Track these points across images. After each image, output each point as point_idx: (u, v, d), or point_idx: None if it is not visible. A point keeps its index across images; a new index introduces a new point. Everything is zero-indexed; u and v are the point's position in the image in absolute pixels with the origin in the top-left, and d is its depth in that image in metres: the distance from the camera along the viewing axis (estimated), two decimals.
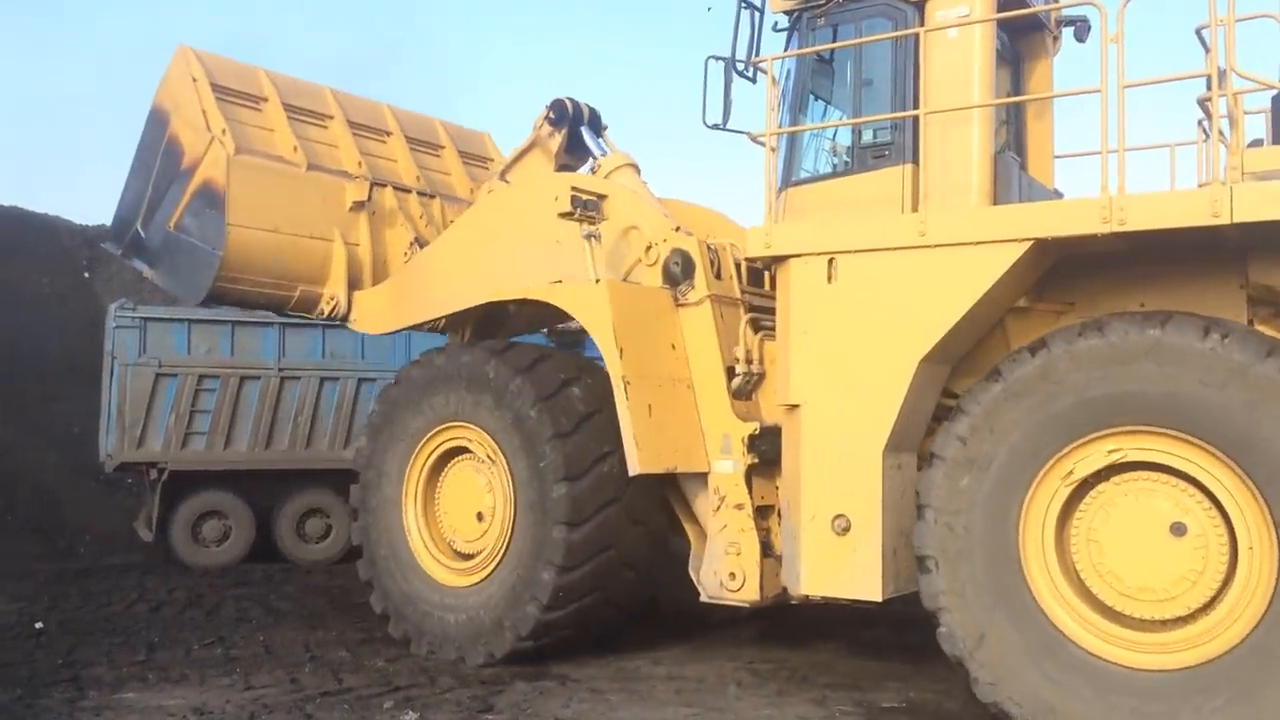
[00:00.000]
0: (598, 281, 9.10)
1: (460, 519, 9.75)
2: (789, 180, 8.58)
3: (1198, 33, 7.03)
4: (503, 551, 9.25)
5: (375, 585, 10.11)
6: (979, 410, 7.07)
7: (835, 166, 8.58)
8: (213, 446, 16.19)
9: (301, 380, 16.46)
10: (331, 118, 11.98)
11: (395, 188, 11.89)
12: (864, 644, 10.05)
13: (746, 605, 8.77)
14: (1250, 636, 6.33)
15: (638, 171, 10.50)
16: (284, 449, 16.52)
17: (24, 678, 8.75)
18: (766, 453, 8.68)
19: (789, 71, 8.68)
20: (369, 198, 11.48)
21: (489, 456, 9.39)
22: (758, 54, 8.75)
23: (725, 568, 8.73)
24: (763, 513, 8.79)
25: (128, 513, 18.17)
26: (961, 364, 7.95)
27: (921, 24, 7.95)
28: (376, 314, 11.37)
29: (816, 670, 9.07)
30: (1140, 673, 6.59)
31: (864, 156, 8.30)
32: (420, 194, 12.18)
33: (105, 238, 12.68)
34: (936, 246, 7.38)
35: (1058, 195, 8.74)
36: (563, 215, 9.30)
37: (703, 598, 8.96)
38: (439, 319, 11.13)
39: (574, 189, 9.32)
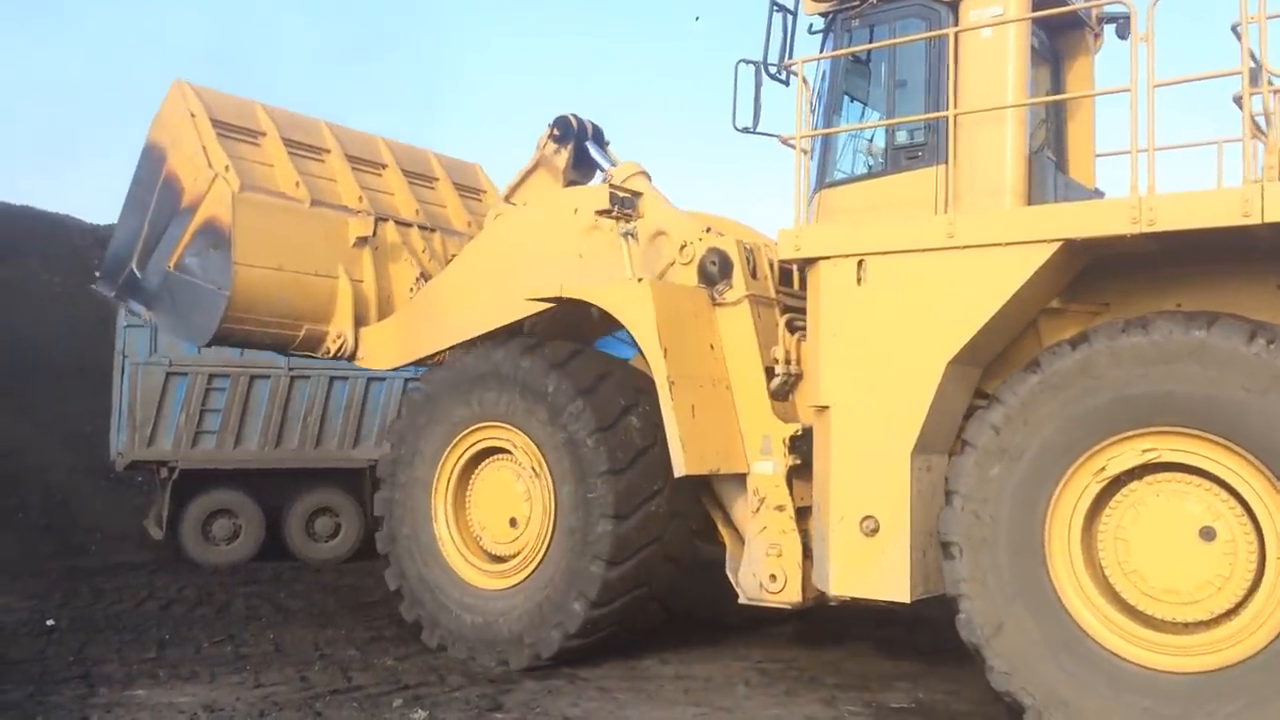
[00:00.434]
0: (640, 280, 8.99)
1: (492, 518, 9.66)
2: (823, 182, 8.60)
3: (1234, 29, 6.87)
4: (533, 567, 9.19)
5: (392, 561, 10.04)
6: (1015, 400, 7.09)
7: (870, 168, 8.57)
8: (223, 445, 16.28)
9: (311, 380, 16.49)
10: (329, 151, 11.80)
11: (397, 222, 11.76)
12: (873, 644, 10.07)
13: (788, 607, 8.72)
14: (1272, 644, 6.34)
15: (649, 179, 10.38)
16: (294, 448, 16.60)
17: (36, 674, 8.81)
18: (807, 454, 8.64)
19: (824, 73, 8.72)
20: (374, 233, 11.32)
21: (533, 469, 9.27)
22: (790, 56, 8.70)
23: (765, 569, 8.69)
24: (803, 514, 8.75)
25: (138, 511, 18.23)
26: (994, 365, 7.95)
27: (956, 24, 7.95)
28: (385, 349, 11.20)
29: (825, 670, 9.09)
30: (1157, 673, 6.61)
31: (897, 158, 8.30)
32: (421, 227, 12.06)
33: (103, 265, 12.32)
34: (965, 248, 7.38)
35: (1098, 195, 8.68)
36: (600, 213, 9.25)
37: (741, 600, 8.95)
38: (450, 349, 10.89)
39: (612, 186, 9.17)
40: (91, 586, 13.64)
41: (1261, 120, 7.17)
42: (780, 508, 8.71)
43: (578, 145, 11.24)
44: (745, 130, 8.70)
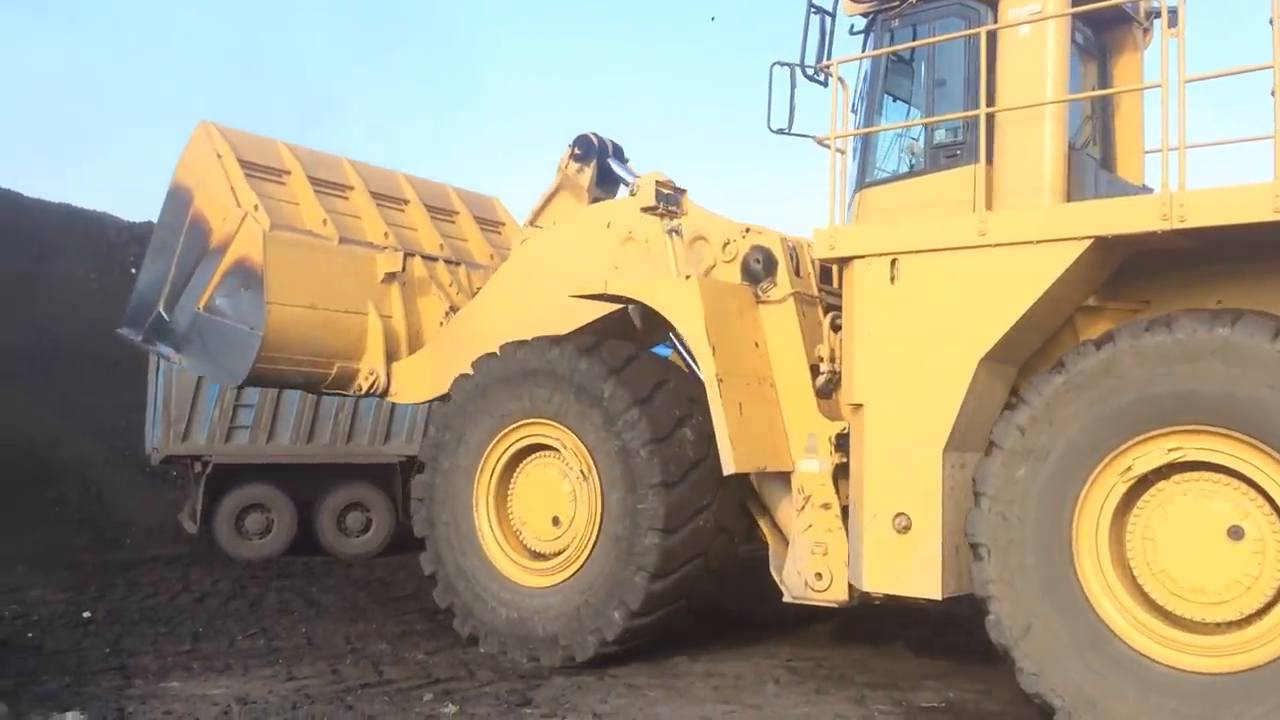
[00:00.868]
0: (688, 277, 9.01)
1: (534, 514, 9.61)
2: (863, 182, 8.67)
3: (1270, 23, 6.80)
4: (574, 569, 9.18)
5: (429, 546, 10.02)
6: (1040, 401, 7.11)
7: (912, 167, 8.59)
8: (255, 440, 16.59)
9: None
10: (352, 188, 11.90)
11: (423, 256, 11.83)
12: (903, 643, 10.09)
13: (834, 605, 8.74)
14: None
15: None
16: (325, 444, 16.92)
17: (72, 665, 8.98)
18: None
19: (865, 74, 8.79)
20: (403, 269, 11.39)
21: (582, 471, 9.23)
22: (829, 57, 8.74)
23: (811, 568, 8.71)
24: (849, 513, 8.73)
25: (173, 505, 18.61)
26: (1030, 363, 7.96)
27: (995, 22, 7.98)
28: (418, 382, 11.20)
29: (855, 669, 9.11)
30: (1185, 674, 6.59)
31: (936, 156, 8.35)
32: (447, 261, 12.12)
33: (141, 246, 12.47)
34: (996, 246, 7.41)
35: (1146, 192, 8.61)
36: (646, 210, 9.24)
37: (786, 598, 8.95)
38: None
39: (658, 182, 9.15)
40: (127, 579, 13.89)
41: None
42: (826, 506, 8.72)
43: (600, 162, 11.32)
44: (780, 131, 8.74)
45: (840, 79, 8.41)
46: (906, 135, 8.73)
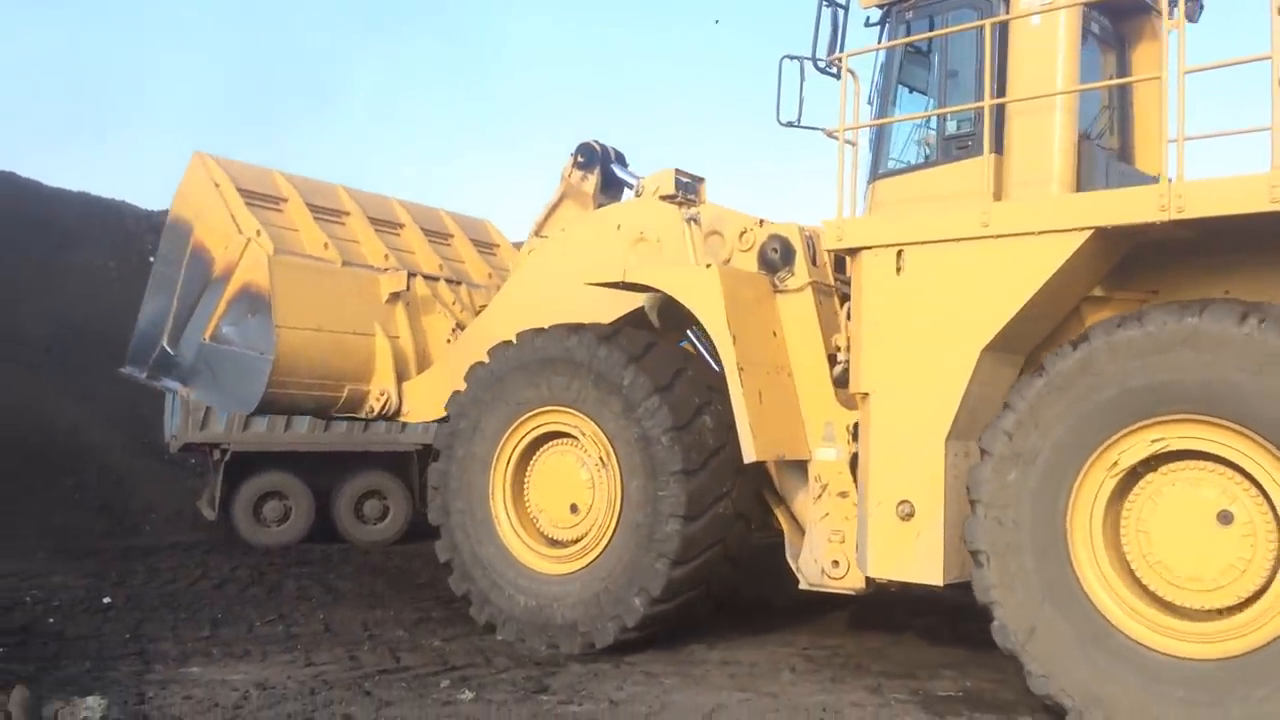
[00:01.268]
0: (708, 265, 9.13)
1: (552, 502, 9.69)
2: (876, 173, 8.81)
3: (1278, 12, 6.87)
4: (594, 556, 9.27)
5: (444, 534, 10.10)
6: (1024, 405, 7.28)
7: (926, 158, 8.72)
8: (274, 428, 16.83)
9: None
10: (349, 214, 12.06)
11: (425, 276, 11.97)
12: (919, 632, 10.19)
13: (850, 592, 8.84)
14: None
15: None
16: (342, 431, 17.10)
17: (93, 651, 9.11)
18: None
19: (880, 66, 8.90)
20: (407, 288, 11.48)
21: (600, 459, 9.31)
22: (842, 50, 8.84)
23: (828, 556, 8.84)
24: None
25: (192, 492, 18.92)
26: (1037, 353, 8.02)
27: (1008, 14, 8.08)
28: (430, 400, 11.17)
29: (871, 658, 9.21)
30: (1188, 661, 6.72)
31: (948, 148, 8.48)
32: (448, 280, 12.26)
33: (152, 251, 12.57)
34: (999, 237, 7.56)
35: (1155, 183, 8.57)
36: (665, 198, 9.32)
37: (802, 585, 9.08)
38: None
39: (677, 170, 9.21)
40: (147, 565, 14.14)
41: None
42: (843, 494, 8.83)
43: (603, 169, 11.45)
44: (790, 124, 8.87)
45: (852, 71, 8.54)
46: (921, 127, 8.84)
